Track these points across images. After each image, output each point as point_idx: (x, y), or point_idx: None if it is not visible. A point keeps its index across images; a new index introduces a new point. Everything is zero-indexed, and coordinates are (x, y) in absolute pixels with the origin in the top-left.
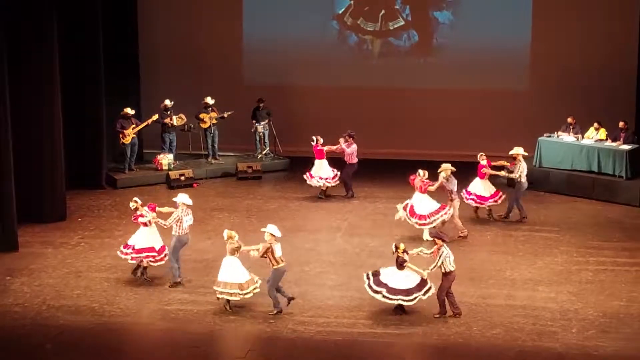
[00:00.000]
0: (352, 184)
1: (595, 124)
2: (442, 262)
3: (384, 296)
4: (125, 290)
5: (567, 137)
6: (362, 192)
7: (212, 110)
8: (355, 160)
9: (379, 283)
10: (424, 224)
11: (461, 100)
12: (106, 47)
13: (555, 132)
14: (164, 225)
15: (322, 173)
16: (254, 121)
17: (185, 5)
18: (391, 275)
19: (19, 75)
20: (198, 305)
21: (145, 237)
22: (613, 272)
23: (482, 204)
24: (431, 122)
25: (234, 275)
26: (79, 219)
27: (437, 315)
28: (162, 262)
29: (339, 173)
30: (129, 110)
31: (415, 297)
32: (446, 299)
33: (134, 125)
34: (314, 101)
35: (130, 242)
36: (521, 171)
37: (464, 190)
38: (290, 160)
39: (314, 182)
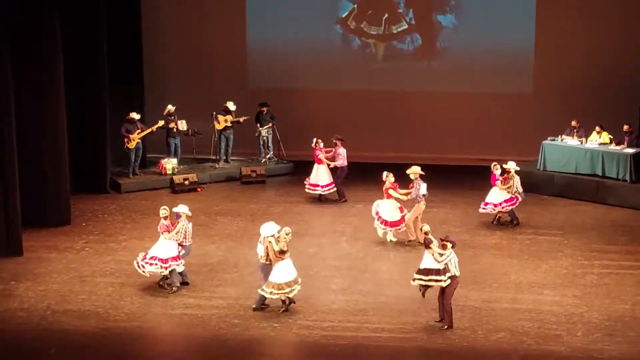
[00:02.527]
0: (344, 188)
1: (597, 128)
2: (447, 264)
3: (414, 279)
4: (129, 294)
5: (571, 141)
6: (366, 196)
7: (229, 115)
8: (345, 163)
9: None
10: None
11: (465, 103)
12: (110, 52)
13: (560, 136)
14: (178, 240)
15: (319, 180)
16: (257, 125)
17: (189, 9)
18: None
19: (22, 80)
20: (202, 309)
21: (168, 246)
22: (618, 275)
23: (497, 206)
24: (435, 126)
25: (286, 275)
26: (84, 224)
27: (438, 321)
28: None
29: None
30: (135, 115)
31: (448, 278)
32: (439, 303)
33: (139, 130)
34: (318, 105)
35: (153, 253)
36: (516, 185)
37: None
38: (294, 165)
39: (310, 192)
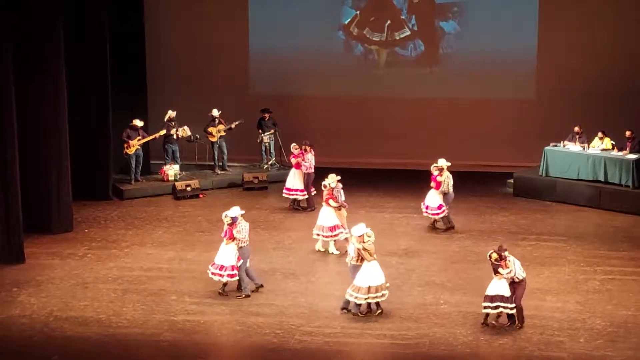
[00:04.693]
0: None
1: (600, 133)
2: (516, 271)
3: (484, 307)
4: (131, 301)
5: (573, 147)
6: (367, 202)
7: (220, 123)
8: (312, 170)
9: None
10: (330, 236)
11: (467, 109)
12: (113, 58)
13: (562, 142)
14: (243, 241)
15: (296, 184)
16: (259, 131)
17: (192, 16)
18: (491, 284)
19: (25, 87)
20: (205, 316)
21: (231, 253)
22: (620, 281)
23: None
24: (437, 132)
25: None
26: (86, 230)
27: (519, 326)
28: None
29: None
30: (138, 122)
31: (514, 307)
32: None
33: (139, 137)
34: (320, 111)
35: (218, 261)
36: (448, 182)
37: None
38: None
39: (286, 196)
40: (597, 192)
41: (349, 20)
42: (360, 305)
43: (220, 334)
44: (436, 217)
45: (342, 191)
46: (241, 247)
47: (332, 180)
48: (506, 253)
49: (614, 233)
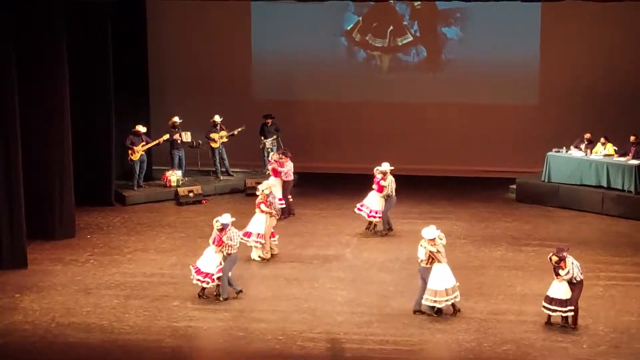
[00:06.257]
0: (290, 202)
1: (602, 139)
2: (574, 272)
3: (543, 306)
4: (134, 307)
5: (576, 152)
6: None
7: (222, 129)
8: (291, 177)
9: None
10: (259, 242)
11: (470, 115)
12: (116, 64)
13: (570, 147)
14: (232, 250)
15: (275, 193)
16: (262, 137)
17: (194, 22)
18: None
19: (28, 92)
20: (207, 322)
21: (216, 261)
22: (623, 287)
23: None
24: (440, 138)
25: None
26: (88, 236)
27: (573, 326)
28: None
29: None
30: (141, 128)
31: (571, 310)
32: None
33: (143, 143)
34: (323, 117)
35: (205, 269)
36: (392, 187)
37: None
38: (299, 177)
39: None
40: (600, 197)
41: (351, 26)
42: (434, 307)
43: (222, 340)
44: (373, 219)
45: (276, 200)
46: (230, 254)
47: (266, 187)
48: (565, 254)
49: (617, 239)
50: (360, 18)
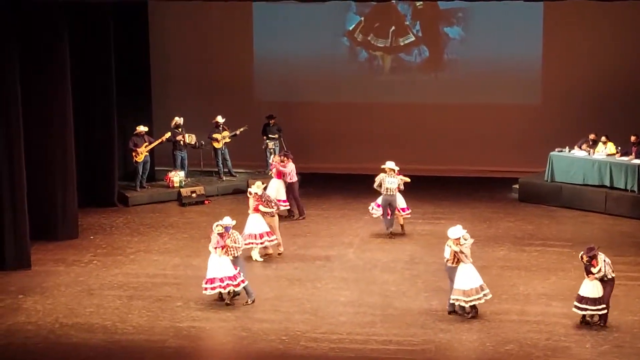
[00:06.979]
0: (294, 203)
1: (603, 138)
2: (606, 270)
3: (575, 306)
4: (137, 307)
5: (579, 152)
6: None
7: (224, 129)
8: (295, 179)
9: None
10: (254, 243)
11: (473, 115)
12: (118, 65)
13: (567, 147)
14: (237, 252)
15: (279, 194)
16: (264, 137)
17: (196, 22)
18: (583, 285)
19: (30, 93)
20: (210, 322)
21: (228, 264)
22: (626, 287)
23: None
24: (443, 138)
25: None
26: (91, 237)
27: (602, 324)
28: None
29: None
30: (142, 128)
31: (604, 308)
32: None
33: (146, 143)
34: (325, 117)
35: (219, 275)
36: (383, 182)
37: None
38: (301, 177)
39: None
40: (603, 197)
41: (353, 26)
42: (464, 307)
43: (225, 340)
44: (403, 218)
45: (272, 196)
46: (236, 256)
47: (257, 188)
48: (596, 252)
49: (620, 238)
50: (362, 18)
